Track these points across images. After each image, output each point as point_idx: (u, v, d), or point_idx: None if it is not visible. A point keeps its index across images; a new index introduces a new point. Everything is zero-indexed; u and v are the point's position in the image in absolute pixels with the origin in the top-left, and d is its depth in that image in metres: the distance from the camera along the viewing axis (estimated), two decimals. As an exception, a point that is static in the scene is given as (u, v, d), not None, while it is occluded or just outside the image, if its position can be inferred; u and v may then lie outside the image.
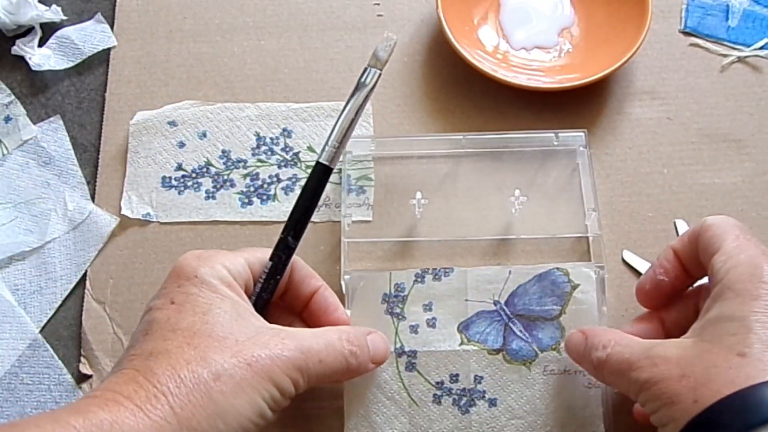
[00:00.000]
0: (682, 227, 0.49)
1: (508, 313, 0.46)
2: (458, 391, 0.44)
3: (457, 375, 0.45)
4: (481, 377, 0.44)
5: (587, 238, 0.48)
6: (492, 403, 0.44)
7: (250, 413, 0.34)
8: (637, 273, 0.48)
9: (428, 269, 0.47)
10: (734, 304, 0.35)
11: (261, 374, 0.34)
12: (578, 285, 0.46)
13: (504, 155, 0.51)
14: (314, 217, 0.50)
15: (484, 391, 0.44)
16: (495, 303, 0.46)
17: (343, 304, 0.45)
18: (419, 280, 0.47)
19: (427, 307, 0.46)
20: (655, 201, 0.50)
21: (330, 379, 0.39)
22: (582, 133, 0.50)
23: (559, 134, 0.50)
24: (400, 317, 0.46)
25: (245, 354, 0.35)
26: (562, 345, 0.44)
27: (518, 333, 0.45)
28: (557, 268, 0.46)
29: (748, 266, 0.36)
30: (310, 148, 0.52)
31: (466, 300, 0.46)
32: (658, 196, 0.50)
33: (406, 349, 0.45)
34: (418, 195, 0.48)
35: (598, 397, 0.44)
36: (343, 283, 0.46)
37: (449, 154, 0.51)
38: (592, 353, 0.39)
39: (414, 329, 0.45)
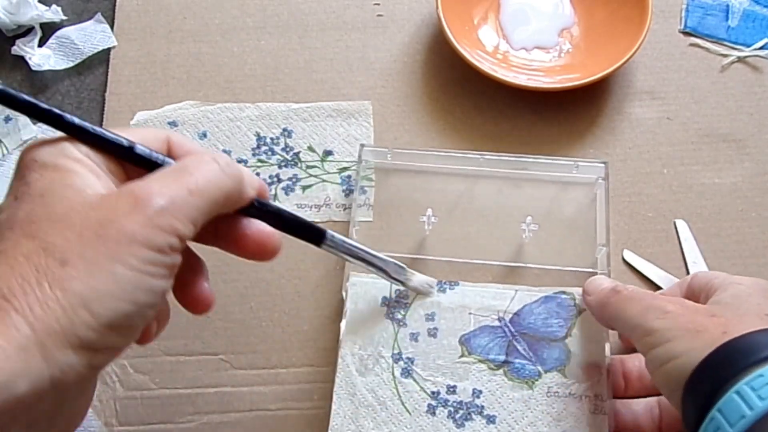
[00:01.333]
0: (682, 227, 0.49)
1: (513, 330, 0.45)
2: (455, 404, 0.43)
3: (454, 387, 0.43)
4: (480, 392, 0.43)
5: (596, 273, 0.46)
6: (490, 420, 0.42)
7: (119, 291, 0.28)
8: (637, 273, 0.48)
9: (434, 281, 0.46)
10: (745, 286, 0.37)
11: (118, 239, 0.28)
12: (584, 310, 0.44)
13: (520, 180, 0.49)
14: (315, 218, 0.50)
15: (483, 407, 0.43)
16: (500, 320, 0.45)
17: (343, 308, 0.45)
18: None
19: (430, 317, 0.45)
20: (655, 201, 0.50)
21: (221, 193, 0.31)
22: (602, 165, 0.49)
23: (579, 164, 0.49)
24: (402, 323, 0.45)
25: (91, 225, 0.28)
26: (568, 368, 0.43)
27: (522, 351, 0.44)
28: (564, 292, 0.46)
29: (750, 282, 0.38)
30: (311, 148, 0.52)
31: (470, 314, 0.45)
32: (658, 196, 0.50)
33: (404, 355, 0.44)
34: (429, 212, 0.48)
35: (605, 424, 0.41)
36: (344, 293, 0.46)
37: (465, 172, 0.50)
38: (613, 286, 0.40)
39: (414, 337, 0.45)
